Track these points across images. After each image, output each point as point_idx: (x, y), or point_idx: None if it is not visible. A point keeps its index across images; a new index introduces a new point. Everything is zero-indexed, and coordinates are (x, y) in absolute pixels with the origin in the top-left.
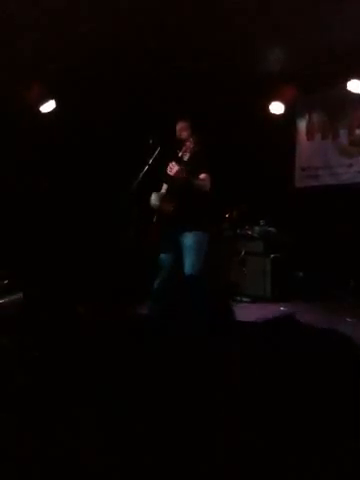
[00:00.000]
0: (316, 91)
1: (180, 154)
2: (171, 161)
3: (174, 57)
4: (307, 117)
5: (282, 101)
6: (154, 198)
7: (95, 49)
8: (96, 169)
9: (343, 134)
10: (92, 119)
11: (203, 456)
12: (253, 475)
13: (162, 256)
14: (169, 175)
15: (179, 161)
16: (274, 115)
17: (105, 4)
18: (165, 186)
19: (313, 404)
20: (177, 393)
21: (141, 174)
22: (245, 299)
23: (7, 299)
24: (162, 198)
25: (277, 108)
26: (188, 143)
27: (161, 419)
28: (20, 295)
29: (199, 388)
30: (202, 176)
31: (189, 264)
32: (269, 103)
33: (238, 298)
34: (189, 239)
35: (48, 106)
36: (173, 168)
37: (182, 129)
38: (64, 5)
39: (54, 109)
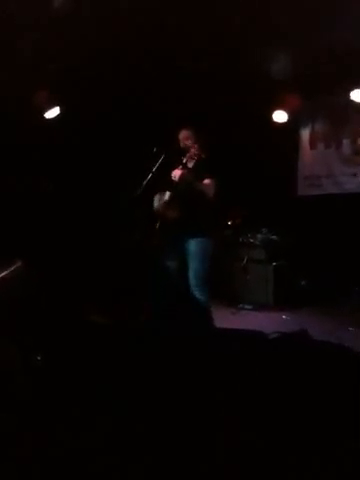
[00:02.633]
0: (319, 99)
1: (184, 160)
2: (175, 168)
3: (174, 57)
4: (310, 126)
5: (284, 107)
6: (156, 200)
7: (95, 49)
8: (96, 169)
9: (346, 143)
10: (92, 119)
11: (203, 456)
12: (253, 475)
13: (166, 262)
14: (173, 181)
15: (183, 167)
16: (277, 122)
17: (105, 4)
18: (168, 193)
19: (313, 405)
20: (177, 394)
21: (145, 182)
22: (247, 306)
23: (7, 271)
24: (165, 204)
25: (280, 116)
26: (193, 150)
27: (161, 419)
28: (19, 263)
29: (199, 388)
30: (206, 181)
31: (193, 270)
32: (270, 106)
33: (241, 305)
34: (193, 245)
35: (53, 112)
36: (177, 174)
37: (185, 137)
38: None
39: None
